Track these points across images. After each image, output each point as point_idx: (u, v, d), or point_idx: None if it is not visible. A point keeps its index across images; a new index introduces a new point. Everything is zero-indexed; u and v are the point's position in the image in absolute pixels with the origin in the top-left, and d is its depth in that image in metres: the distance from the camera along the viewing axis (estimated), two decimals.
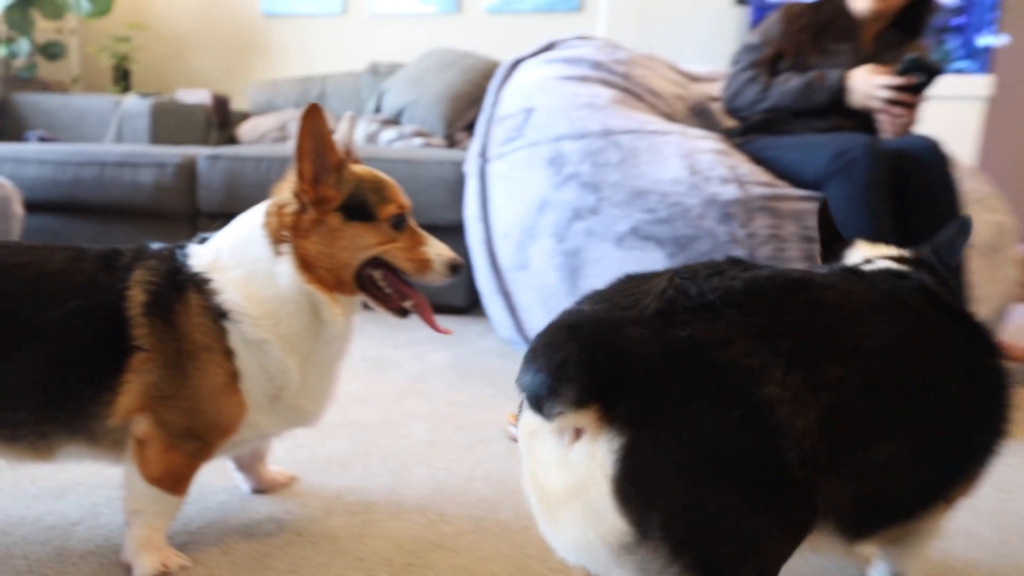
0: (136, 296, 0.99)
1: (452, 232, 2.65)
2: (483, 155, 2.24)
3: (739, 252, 1.76)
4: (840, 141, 1.82)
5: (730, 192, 1.78)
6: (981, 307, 2.01)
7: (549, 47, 2.38)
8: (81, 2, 4.24)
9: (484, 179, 2.23)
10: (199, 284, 1.02)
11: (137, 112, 3.64)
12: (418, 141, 3.26)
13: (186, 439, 1.01)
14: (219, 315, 1.01)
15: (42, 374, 0.97)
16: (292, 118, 3.80)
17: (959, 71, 3.62)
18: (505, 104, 2.22)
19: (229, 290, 1.02)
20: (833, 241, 1.16)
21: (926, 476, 0.88)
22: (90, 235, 2.88)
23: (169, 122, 3.69)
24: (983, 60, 3.62)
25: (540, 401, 0.69)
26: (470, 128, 3.43)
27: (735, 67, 2.17)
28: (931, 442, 0.85)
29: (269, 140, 3.70)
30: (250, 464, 1.28)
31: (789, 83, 2.03)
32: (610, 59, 2.28)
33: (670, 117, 2.23)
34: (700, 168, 1.82)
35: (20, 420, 0.98)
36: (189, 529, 1.15)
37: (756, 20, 3.57)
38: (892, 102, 1.90)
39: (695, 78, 2.59)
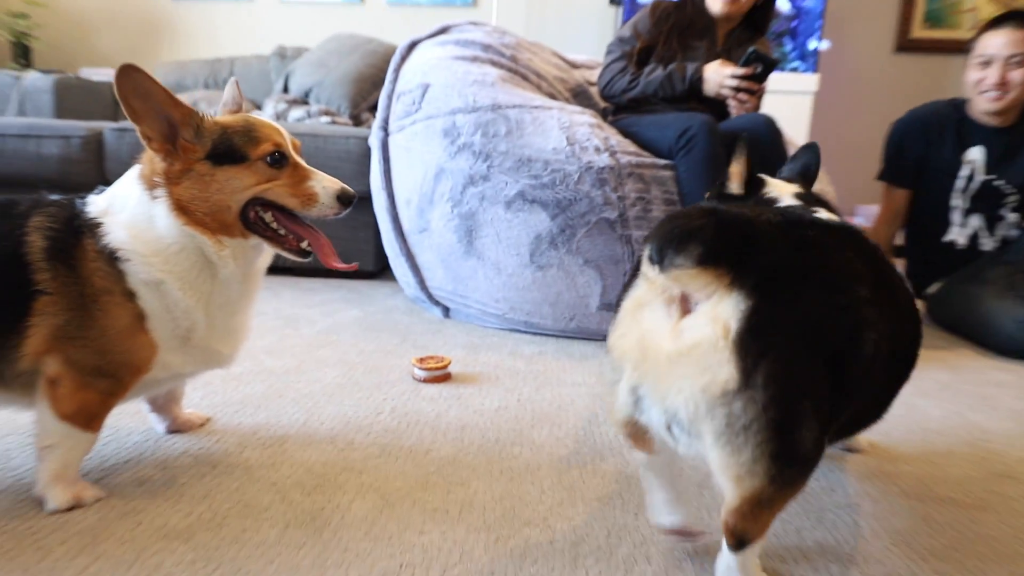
0: (36, 241, 0.92)
1: (360, 202, 2.58)
2: (384, 128, 2.18)
3: (611, 212, 1.81)
4: (684, 120, 1.91)
5: (603, 160, 1.82)
6: None
7: (443, 30, 2.35)
8: None
9: (386, 150, 2.18)
10: (92, 228, 0.95)
11: (40, 88, 3.33)
12: (325, 119, 3.14)
13: (98, 377, 0.95)
14: (114, 258, 0.94)
15: None
16: (201, 98, 3.58)
17: (793, 70, 3.85)
18: (403, 81, 2.18)
19: (116, 231, 0.95)
20: (751, 180, 1.24)
21: (892, 393, 0.98)
22: None
23: (74, 99, 3.40)
24: (811, 61, 3.85)
25: (664, 252, 0.71)
26: (374, 109, 3.34)
27: (608, 57, 2.21)
28: (901, 365, 0.96)
29: None
30: (165, 405, 1.21)
31: (654, 74, 2.10)
32: (498, 43, 2.27)
33: (552, 96, 2.26)
34: (577, 139, 1.85)
35: None
36: (104, 466, 1.08)
37: (627, 17, 3.65)
38: (738, 90, 2.01)
39: (575, 65, 2.62)
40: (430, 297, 2.19)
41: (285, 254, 1.06)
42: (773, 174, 1.89)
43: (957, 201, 2.36)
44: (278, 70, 3.76)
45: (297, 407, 1.36)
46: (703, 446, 0.76)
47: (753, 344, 0.70)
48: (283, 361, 1.65)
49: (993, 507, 1.09)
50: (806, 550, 0.94)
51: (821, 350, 0.74)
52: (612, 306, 1.93)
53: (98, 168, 2.76)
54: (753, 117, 1.96)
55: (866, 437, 1.31)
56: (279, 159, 1.01)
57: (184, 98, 3.75)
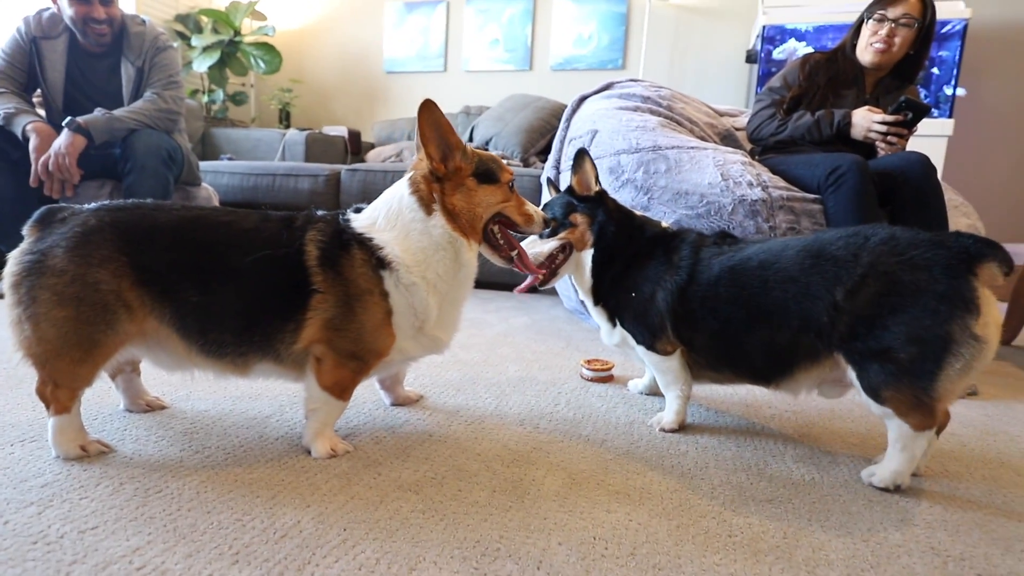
0: (312, 251, 0.98)
1: None
2: (557, 167, 2.18)
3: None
4: (834, 159, 1.72)
5: (756, 194, 1.69)
6: None
7: (608, 87, 2.31)
8: (259, 63, 4.35)
9: (558, 185, 2.17)
10: (361, 242, 1.00)
11: (296, 141, 3.72)
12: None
13: (350, 360, 1.00)
14: (377, 265, 0.99)
15: (241, 306, 0.96)
16: (407, 147, 3.82)
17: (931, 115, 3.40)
18: (574, 128, 2.16)
19: (388, 245, 1.00)
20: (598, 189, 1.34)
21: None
22: None
23: (318, 149, 3.76)
24: (946, 107, 3.39)
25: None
26: (540, 154, 3.38)
27: (758, 105, 2.07)
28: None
29: (389, 162, 3.73)
30: (391, 385, 1.26)
31: (803, 119, 1.93)
32: (656, 95, 2.20)
33: (704, 139, 2.14)
34: (731, 175, 1.73)
35: (225, 341, 0.97)
36: (349, 426, 1.14)
37: (763, 74, 3.42)
38: (887, 134, 1.79)
39: (722, 113, 2.48)
40: (586, 311, 2.14)
41: (498, 260, 1.11)
42: (930, 212, 1.66)
43: None
44: (464, 124, 3.93)
45: (488, 393, 1.37)
46: None
47: None
48: (472, 355, 1.68)
49: None
50: None
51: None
52: None
53: (335, 197, 3.02)
54: (907, 155, 1.73)
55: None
56: (512, 186, 1.09)
57: (392, 147, 4.02)
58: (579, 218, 1.29)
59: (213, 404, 1.21)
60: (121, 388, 1.15)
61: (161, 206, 1.00)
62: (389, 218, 1.03)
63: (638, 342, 1.22)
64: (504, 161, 3.40)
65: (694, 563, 0.76)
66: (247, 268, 0.96)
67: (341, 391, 1.01)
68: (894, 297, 0.93)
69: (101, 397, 1.21)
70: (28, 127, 2.17)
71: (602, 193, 1.32)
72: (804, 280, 1.01)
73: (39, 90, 2.39)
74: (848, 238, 1.01)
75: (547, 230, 1.29)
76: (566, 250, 1.30)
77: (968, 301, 0.90)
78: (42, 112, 2.37)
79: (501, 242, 1.11)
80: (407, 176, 1.07)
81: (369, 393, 1.31)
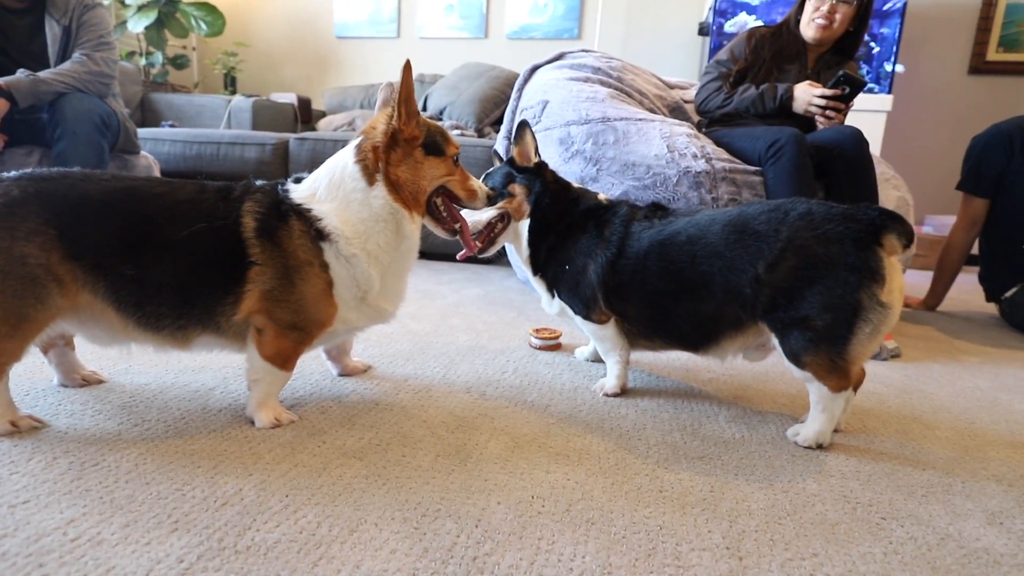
0: (248, 222, 0.95)
1: None
2: (509, 137, 2.17)
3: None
4: (774, 132, 1.78)
5: (700, 165, 1.73)
6: None
7: (559, 56, 2.30)
8: (201, 24, 4.13)
9: (510, 156, 2.16)
10: (300, 213, 0.98)
11: (242, 108, 3.57)
12: (455, 132, 3.19)
13: (292, 330, 0.99)
14: (316, 237, 0.97)
15: (178, 279, 0.94)
16: (359, 116, 3.72)
17: (869, 91, 3.51)
18: (526, 98, 2.15)
19: (327, 216, 0.98)
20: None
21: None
22: None
23: (266, 116, 3.63)
24: (886, 83, 3.51)
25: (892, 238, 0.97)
26: (495, 124, 3.35)
27: (706, 77, 2.10)
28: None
29: (341, 131, 3.63)
30: (338, 355, 1.26)
31: (747, 92, 1.97)
32: (606, 66, 2.20)
33: (653, 111, 2.16)
34: (677, 147, 1.76)
35: (162, 314, 0.94)
36: (295, 397, 1.14)
37: (714, 47, 3.46)
38: (826, 108, 1.84)
39: (671, 85, 2.51)
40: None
41: (441, 232, 1.11)
42: (861, 184, 1.74)
43: None
44: (418, 93, 3.85)
45: (437, 362, 1.38)
46: None
47: None
48: (423, 325, 1.68)
49: None
50: (901, 519, 0.84)
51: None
52: None
53: (283, 167, 2.93)
54: (841, 129, 1.80)
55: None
56: (457, 160, 1.09)
57: (344, 116, 3.91)
58: (517, 188, 1.30)
59: (154, 377, 1.18)
60: (54, 363, 1.11)
61: (90, 175, 0.95)
62: (330, 188, 1.01)
63: (574, 312, 1.25)
64: (456, 132, 3.35)
65: (625, 516, 0.80)
66: (183, 241, 0.93)
67: (283, 361, 1.01)
68: (810, 269, 0.98)
69: (34, 372, 1.17)
70: None
71: (541, 164, 1.33)
72: (729, 255, 1.05)
73: None
74: (769, 213, 1.05)
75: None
76: (504, 220, 1.31)
77: (874, 271, 0.96)
78: None
79: (444, 215, 1.11)
80: (353, 143, 1.04)
81: (316, 364, 1.31)
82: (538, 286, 1.33)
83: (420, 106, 3.74)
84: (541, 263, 1.29)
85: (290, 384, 1.19)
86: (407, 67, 0.97)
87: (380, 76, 4.41)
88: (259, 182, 1.04)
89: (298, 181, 1.05)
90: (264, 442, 0.94)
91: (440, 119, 3.44)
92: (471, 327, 1.69)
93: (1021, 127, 2.12)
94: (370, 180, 1.00)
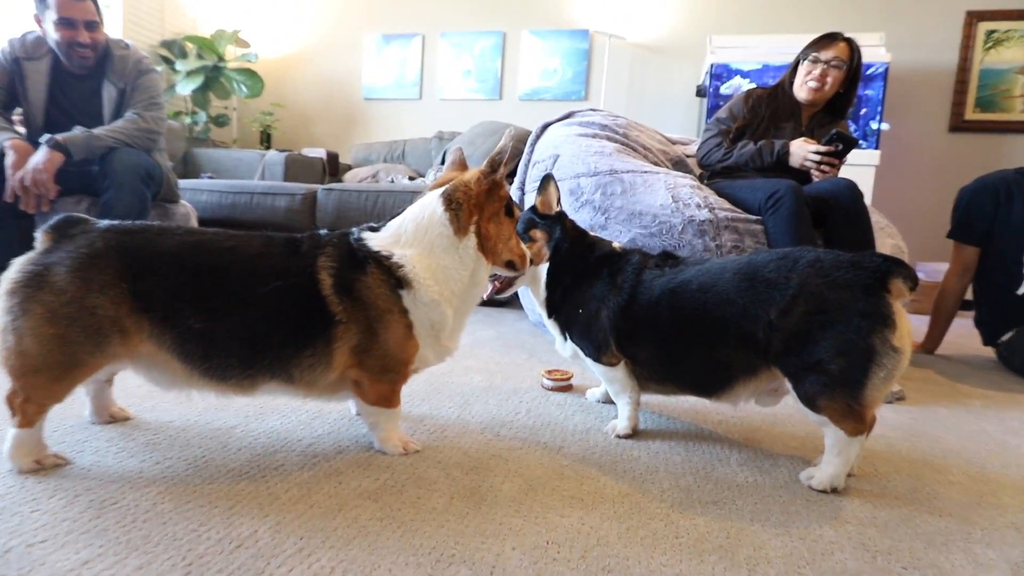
0: (326, 279, 0.92)
1: None
2: (521, 188, 2.18)
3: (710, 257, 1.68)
4: (773, 184, 1.77)
5: (704, 215, 1.71)
6: None
7: (569, 115, 2.33)
8: (242, 87, 4.28)
9: (523, 205, 2.17)
10: (379, 260, 0.94)
11: (275, 162, 3.65)
12: None
13: (384, 374, 0.97)
14: (396, 285, 0.94)
15: (249, 333, 0.90)
16: (382, 168, 3.79)
17: (857, 147, 3.53)
18: (537, 153, 2.17)
19: (409, 263, 0.95)
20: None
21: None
22: None
23: (297, 169, 3.70)
24: (873, 140, 3.53)
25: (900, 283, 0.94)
26: (508, 176, 3.39)
27: (707, 134, 2.11)
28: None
29: (365, 183, 3.69)
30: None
31: (746, 148, 1.97)
32: (613, 123, 2.23)
33: (657, 164, 2.17)
34: (681, 197, 1.75)
35: (230, 365, 0.90)
36: (314, 436, 1.09)
37: (711, 107, 3.51)
38: (820, 163, 1.84)
39: (674, 141, 2.53)
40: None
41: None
42: (858, 232, 1.71)
43: None
44: (437, 148, 3.93)
45: (452, 403, 1.34)
46: None
47: None
48: (439, 366, 1.63)
49: None
50: (923, 570, 0.77)
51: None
52: None
53: (311, 215, 2.96)
54: (836, 181, 1.78)
55: None
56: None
57: (368, 169, 3.99)
58: (538, 234, 1.29)
59: (178, 415, 1.15)
60: (91, 396, 1.08)
61: (166, 230, 0.93)
62: (417, 233, 0.98)
63: (585, 355, 1.22)
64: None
65: (642, 564, 0.74)
66: (257, 297, 0.89)
67: (387, 401, 1.00)
68: (822, 314, 0.95)
69: (65, 407, 1.14)
70: (6, 143, 2.07)
71: (561, 214, 1.32)
72: (741, 302, 1.02)
73: (20, 109, 2.29)
74: (779, 261, 1.02)
75: None
76: None
77: (885, 316, 0.92)
78: (22, 130, 2.27)
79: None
80: (439, 192, 1.00)
81: (332, 404, 1.27)
82: (552, 328, 1.29)
83: (439, 160, 3.81)
84: (556, 306, 1.27)
85: (309, 424, 1.15)
86: (510, 134, 0.99)
87: (402, 133, 4.52)
88: (323, 232, 1.02)
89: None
90: (281, 482, 0.90)
91: None
92: (485, 368, 1.65)
93: (1005, 179, 2.10)
94: (459, 229, 0.99)
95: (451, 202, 0.99)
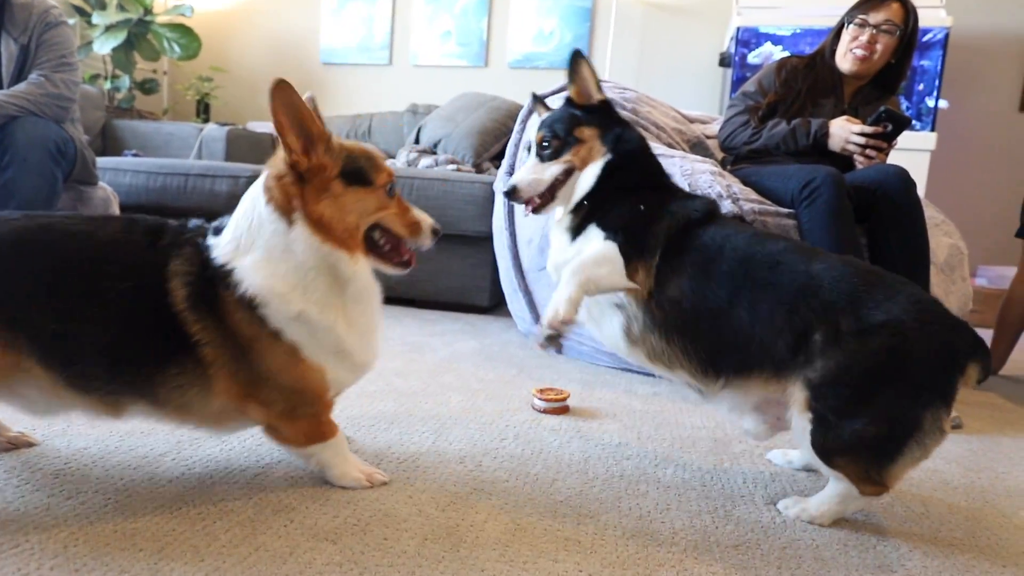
0: (178, 289, 0.89)
1: (480, 241, 2.63)
2: (511, 173, 2.20)
3: None
4: (808, 171, 1.79)
5: (725, 207, 1.74)
6: None
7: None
8: (173, 47, 4.26)
9: (567, 96, 2.17)
10: (224, 277, 0.90)
11: (215, 137, 3.64)
12: (451, 167, 3.24)
13: (297, 409, 0.97)
14: (250, 304, 0.90)
15: (107, 340, 0.89)
16: None
17: (911, 128, 3.59)
18: (530, 131, 2.19)
19: (250, 275, 0.90)
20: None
21: None
22: None
23: (242, 146, 3.69)
24: (928, 120, 3.60)
25: None
26: (494, 159, 3.41)
27: (731, 111, 2.14)
28: None
29: None
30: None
31: (777, 128, 2.00)
32: (620, 97, 2.26)
33: (671, 147, 2.20)
34: (699, 185, 1.78)
35: (94, 376, 0.90)
36: (260, 464, 1.09)
37: (736, 79, 3.56)
38: (865, 147, 1.87)
39: (691, 119, 2.57)
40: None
41: (391, 270, 1.05)
42: (909, 230, 1.75)
43: None
44: (410, 124, 3.94)
45: (426, 427, 1.35)
46: None
47: None
48: (410, 383, 1.65)
49: None
50: None
51: None
52: None
53: None
54: (884, 168, 1.82)
55: None
56: (392, 189, 1.01)
57: None
58: (586, 132, 1.25)
59: (95, 440, 1.14)
60: None
61: (2, 217, 0.92)
62: (251, 234, 0.92)
63: (612, 239, 1.15)
64: (452, 167, 3.41)
65: None
66: (108, 295, 0.89)
67: (320, 436, 1.01)
68: (895, 363, 0.97)
69: None
70: None
71: (607, 102, 1.30)
72: (813, 289, 1.03)
73: None
74: (878, 279, 1.05)
75: (547, 150, 1.25)
76: (568, 174, 1.25)
77: (949, 397, 0.96)
78: None
79: (387, 249, 1.03)
80: (260, 178, 0.96)
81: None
82: (561, 229, 1.26)
83: (412, 139, 3.82)
84: (596, 201, 1.21)
85: (255, 451, 1.15)
86: (277, 88, 0.88)
87: (370, 106, 4.52)
88: (193, 223, 0.99)
89: (218, 232, 0.95)
90: (220, 519, 0.90)
91: (434, 152, 3.51)
92: (465, 386, 1.66)
93: None
94: (288, 220, 0.92)
95: (267, 188, 0.93)
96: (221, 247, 0.93)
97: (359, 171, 0.95)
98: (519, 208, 2.14)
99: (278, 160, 0.94)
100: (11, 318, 0.88)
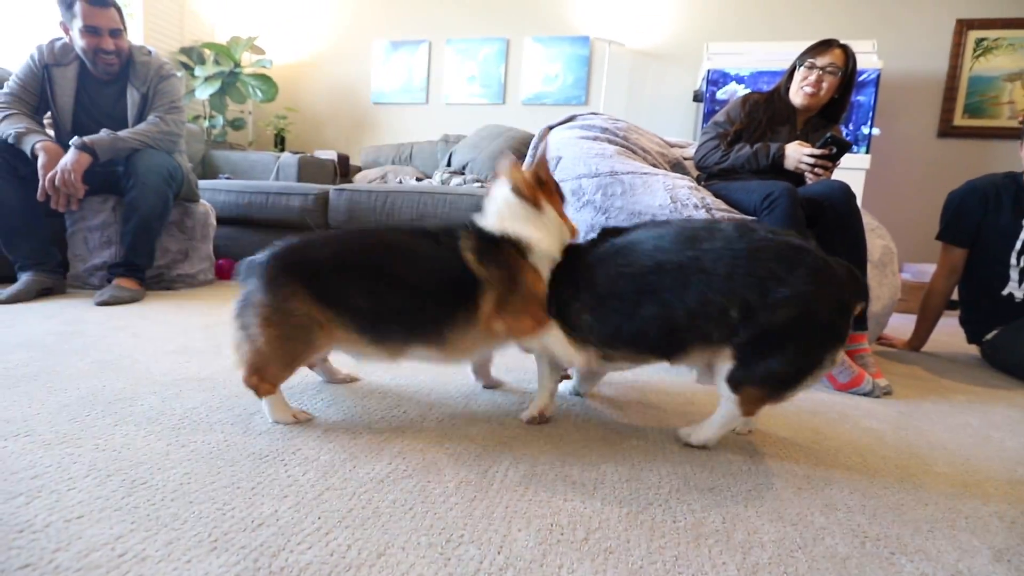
0: (470, 257, 1.08)
1: None
2: None
3: None
4: (768, 186, 1.76)
5: (700, 215, 1.72)
6: (875, 305, 1.93)
7: (571, 119, 2.33)
8: (257, 92, 4.29)
9: None
10: (503, 235, 1.11)
11: (289, 163, 3.66)
12: (476, 185, 3.23)
13: (530, 309, 1.10)
14: (518, 248, 1.10)
15: (408, 305, 1.07)
16: (390, 170, 3.80)
17: (852, 151, 3.52)
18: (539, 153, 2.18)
19: (521, 232, 1.11)
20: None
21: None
22: (258, 241, 2.89)
23: (309, 170, 3.71)
24: (864, 144, 3.52)
25: None
26: None
27: (704, 136, 2.11)
28: None
29: (375, 183, 3.70)
30: (482, 368, 1.41)
31: (743, 151, 1.98)
32: (613, 127, 2.23)
33: (656, 167, 2.18)
34: (679, 198, 1.76)
35: (392, 332, 1.07)
36: (329, 423, 1.10)
37: (708, 112, 3.51)
38: (814, 166, 1.84)
39: (672, 144, 2.53)
40: None
41: None
42: (850, 233, 1.72)
43: (1015, 260, 2.03)
44: (443, 151, 3.93)
45: (459, 393, 1.35)
46: None
47: None
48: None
49: None
50: (910, 555, 0.78)
51: None
52: None
53: (323, 214, 2.97)
54: (829, 183, 1.78)
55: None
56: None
57: (377, 171, 3.99)
58: None
59: (201, 402, 1.16)
60: (319, 370, 1.35)
61: (329, 238, 1.11)
62: (510, 215, 1.13)
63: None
64: (476, 184, 3.41)
65: (641, 547, 0.76)
66: (418, 279, 1.07)
67: (540, 326, 1.11)
68: (805, 322, 0.95)
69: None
70: (37, 145, 2.10)
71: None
72: (723, 273, 0.98)
73: (49, 112, 2.32)
74: (779, 248, 0.97)
75: None
76: None
77: (844, 337, 0.97)
78: (51, 132, 2.29)
79: None
80: (503, 187, 1.16)
81: (344, 392, 1.28)
82: None
83: (445, 162, 3.82)
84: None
85: (323, 411, 1.16)
86: (545, 134, 1.10)
87: (410, 136, 4.52)
88: (450, 225, 1.17)
89: (474, 225, 1.16)
90: (300, 465, 0.91)
91: (463, 173, 3.50)
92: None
93: (994, 183, 2.11)
94: (536, 205, 1.14)
95: (514, 190, 1.17)
96: (488, 223, 1.14)
97: (562, 191, 1.22)
98: None
99: (515, 175, 1.17)
100: (340, 305, 1.05)
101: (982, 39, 3.81)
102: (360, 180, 3.77)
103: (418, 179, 3.60)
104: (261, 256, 1.07)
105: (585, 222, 1.88)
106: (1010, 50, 3.79)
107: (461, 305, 1.07)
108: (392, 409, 1.21)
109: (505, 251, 1.11)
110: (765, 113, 2.03)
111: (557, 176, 2.02)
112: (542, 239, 1.13)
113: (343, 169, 4.05)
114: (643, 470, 0.99)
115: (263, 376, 1.06)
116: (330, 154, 4.05)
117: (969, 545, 0.82)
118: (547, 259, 1.14)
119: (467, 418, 1.18)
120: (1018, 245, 2.01)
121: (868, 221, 2.04)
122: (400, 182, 3.51)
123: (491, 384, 1.40)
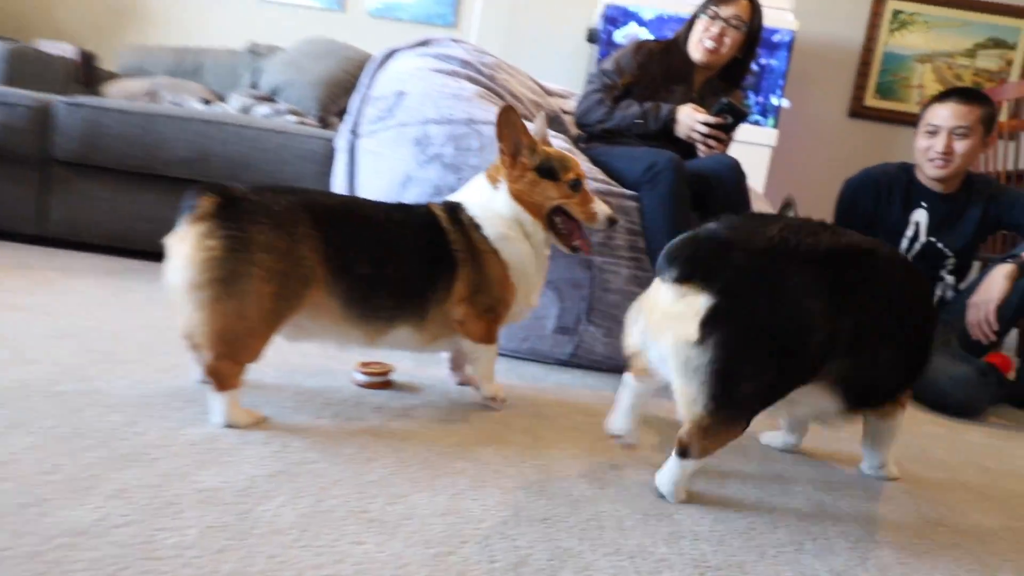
0: (446, 224, 1.41)
1: None
2: (354, 131, 2.14)
3: None
4: (653, 155, 1.94)
5: None
6: None
7: (424, 43, 2.33)
8: None
9: (353, 154, 2.13)
10: (462, 212, 1.46)
11: None
12: (292, 119, 3.08)
13: (487, 312, 1.42)
14: (477, 228, 1.43)
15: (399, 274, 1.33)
16: (165, 85, 3.47)
17: (755, 123, 3.96)
18: (379, 87, 2.14)
19: (476, 213, 1.45)
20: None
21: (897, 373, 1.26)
22: None
23: (27, 69, 3.24)
24: (773, 116, 3.99)
25: (660, 269, 1.12)
26: (342, 114, 3.30)
27: (588, 87, 2.24)
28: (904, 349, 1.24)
29: (141, 101, 3.35)
30: (460, 365, 1.64)
31: (630, 109, 2.13)
32: (477, 61, 2.27)
33: (526, 119, 2.26)
34: None
35: (381, 305, 1.30)
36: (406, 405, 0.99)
37: (602, 55, 3.72)
38: (707, 136, 2.04)
39: (551, 92, 2.64)
40: None
41: (563, 248, 1.52)
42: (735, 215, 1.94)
43: None
44: (247, 66, 3.70)
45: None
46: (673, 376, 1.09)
47: (710, 323, 1.04)
48: None
49: (931, 553, 1.10)
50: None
51: (762, 340, 1.06)
52: (567, 330, 1.92)
53: (40, 139, 2.62)
54: (719, 159, 2.00)
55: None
56: (577, 184, 1.48)
57: (144, 83, 3.65)
58: None
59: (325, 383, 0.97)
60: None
61: (327, 194, 1.39)
62: (471, 192, 1.51)
63: None
64: (294, 119, 3.27)
65: None
66: (402, 242, 1.35)
67: (489, 338, 1.45)
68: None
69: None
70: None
71: None
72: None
73: None
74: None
75: None
76: None
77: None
78: None
79: (564, 231, 1.50)
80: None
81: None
82: None
83: (249, 82, 3.58)
84: None
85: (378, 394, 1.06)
86: (501, 115, 1.41)
87: (199, 38, 4.16)
88: (432, 203, 1.49)
89: (448, 201, 1.51)
90: (370, 435, 0.81)
91: (274, 100, 3.32)
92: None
93: (887, 174, 2.52)
94: (494, 186, 1.48)
95: (487, 173, 1.55)
96: (463, 203, 1.47)
97: (550, 169, 1.46)
98: (362, 168, 2.10)
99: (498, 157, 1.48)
100: (340, 266, 1.24)
101: (899, 11, 4.52)
102: (115, 93, 3.38)
103: (206, 102, 3.33)
104: (264, 195, 1.17)
105: (430, 182, 1.89)
106: (924, 27, 4.54)
107: (441, 280, 1.35)
108: (123, 428, 1.11)
109: (466, 226, 1.42)
110: (660, 66, 2.21)
111: (397, 118, 2.00)
112: (494, 216, 1.42)
113: (87, 74, 3.62)
114: (466, 499, 1.04)
115: (236, 356, 1.14)
116: (64, 48, 3.59)
117: (811, 569, 0.98)
118: (508, 239, 1.42)
119: (234, 442, 1.13)
120: (904, 243, 2.43)
121: (761, 207, 2.33)
122: (178, 105, 3.22)
123: (464, 381, 1.62)
